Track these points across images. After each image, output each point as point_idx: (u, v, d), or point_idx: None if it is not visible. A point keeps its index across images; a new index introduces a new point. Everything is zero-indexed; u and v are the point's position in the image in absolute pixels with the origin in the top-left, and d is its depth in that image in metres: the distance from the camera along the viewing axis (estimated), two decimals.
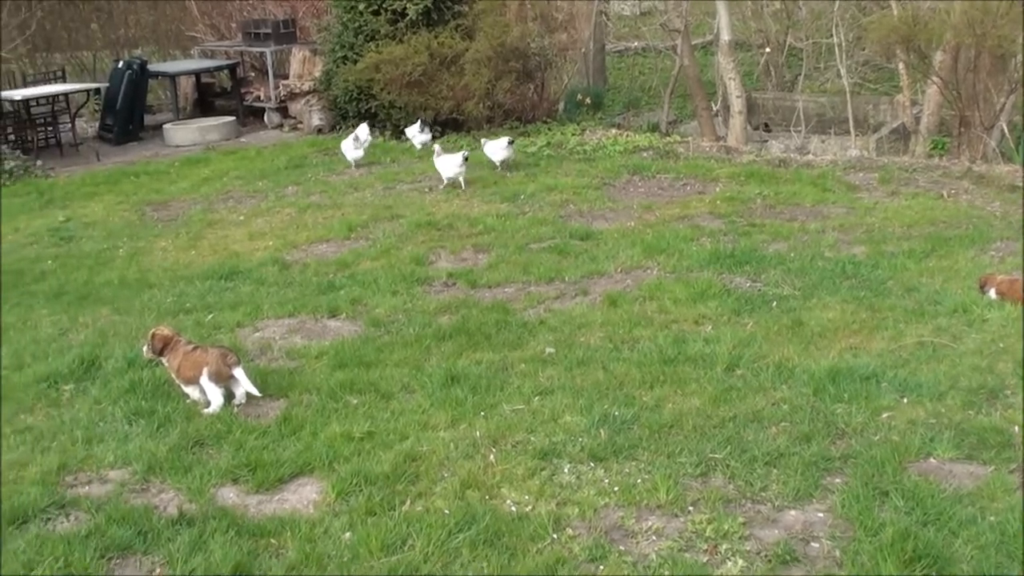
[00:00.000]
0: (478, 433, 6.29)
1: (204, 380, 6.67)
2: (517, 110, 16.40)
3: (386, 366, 7.39)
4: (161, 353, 6.83)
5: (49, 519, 5.62)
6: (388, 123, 16.21)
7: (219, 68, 18.74)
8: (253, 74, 19.48)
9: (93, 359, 7.61)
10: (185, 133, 17.14)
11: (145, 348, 6.99)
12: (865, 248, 9.54)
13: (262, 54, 18.78)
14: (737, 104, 16.42)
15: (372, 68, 15.73)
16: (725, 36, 16.28)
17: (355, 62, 16.23)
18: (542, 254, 9.97)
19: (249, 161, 14.84)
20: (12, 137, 16.52)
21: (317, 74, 17.61)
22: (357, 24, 16.35)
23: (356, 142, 13.98)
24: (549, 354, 7.56)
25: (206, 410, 6.72)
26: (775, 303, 8.25)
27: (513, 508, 5.49)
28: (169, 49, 21.13)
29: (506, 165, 13.40)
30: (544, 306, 8.63)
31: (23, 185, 14.31)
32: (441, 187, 12.70)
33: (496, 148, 13.43)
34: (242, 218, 11.86)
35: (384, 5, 16.08)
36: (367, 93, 16.00)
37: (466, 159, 12.62)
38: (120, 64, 17.66)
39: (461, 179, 12.60)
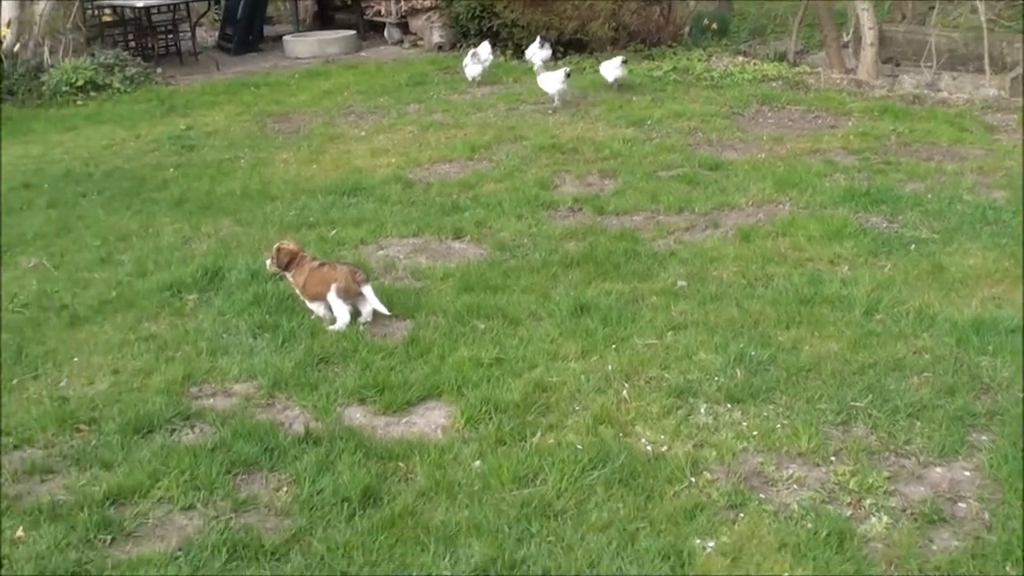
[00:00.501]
0: (610, 367, 6.05)
1: (332, 296, 6.54)
2: (642, 32, 15.92)
3: (513, 291, 7.18)
4: (287, 268, 6.70)
5: (174, 430, 5.55)
6: (510, 42, 15.86)
7: None
8: None
9: (216, 270, 7.53)
10: (305, 45, 17.01)
11: (269, 262, 6.83)
12: (1006, 193, 9.00)
13: None
14: (869, 36, 15.65)
15: None
16: None
17: None
18: (671, 182, 9.62)
19: (369, 76, 14.65)
20: (133, 44, 16.56)
21: None
22: None
23: (475, 59, 13.73)
24: (681, 287, 7.27)
25: (332, 327, 6.59)
26: (913, 246, 7.82)
27: (648, 448, 5.27)
28: None
29: (619, 84, 13.25)
30: (674, 237, 8.32)
31: (144, 91, 14.32)
32: (554, 106, 12.54)
33: (610, 68, 13.26)
34: (364, 134, 11.69)
35: None
36: (490, 11, 15.66)
37: (568, 75, 12.56)
38: None
39: (561, 97, 12.54)
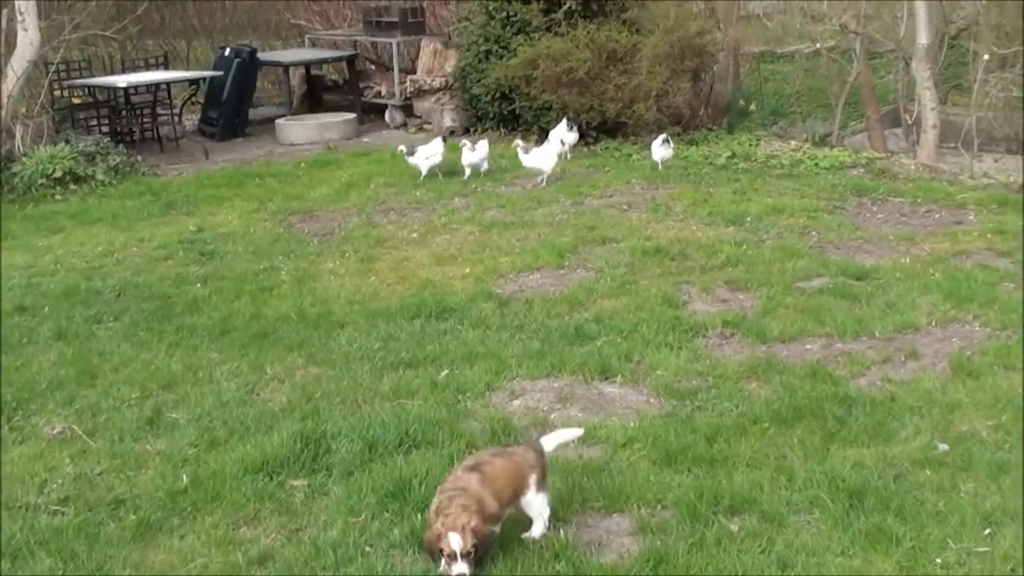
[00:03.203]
0: None
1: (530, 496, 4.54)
2: (680, 116, 14.28)
3: (735, 466, 5.31)
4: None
5: None
6: (536, 127, 14.11)
7: (338, 59, 16.69)
8: (373, 67, 17.37)
9: (317, 438, 5.54)
10: (301, 130, 15.09)
11: (456, 541, 4.24)
12: None
13: (384, 45, 16.71)
14: (931, 118, 14.20)
15: (527, 64, 13.58)
16: (924, 39, 14.05)
17: (500, 57, 14.12)
18: (822, 298, 7.88)
19: (387, 165, 12.71)
20: (107, 129, 14.47)
21: (449, 69, 15.51)
22: (505, 13, 14.24)
23: (471, 152, 12.10)
24: (943, 452, 5.43)
25: (532, 534, 4.58)
26: None
27: None
28: (268, 39, 19.02)
29: (666, 165, 12.22)
30: (875, 373, 6.57)
31: (131, 184, 12.24)
32: (541, 182, 11.58)
33: (656, 148, 12.24)
34: (415, 235, 9.76)
35: None
36: (518, 91, 13.88)
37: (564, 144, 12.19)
38: (227, 52, 15.60)
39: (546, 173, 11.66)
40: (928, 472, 5.24)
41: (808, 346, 7.06)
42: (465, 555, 4.16)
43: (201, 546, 4.62)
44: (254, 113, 16.67)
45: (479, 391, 6.28)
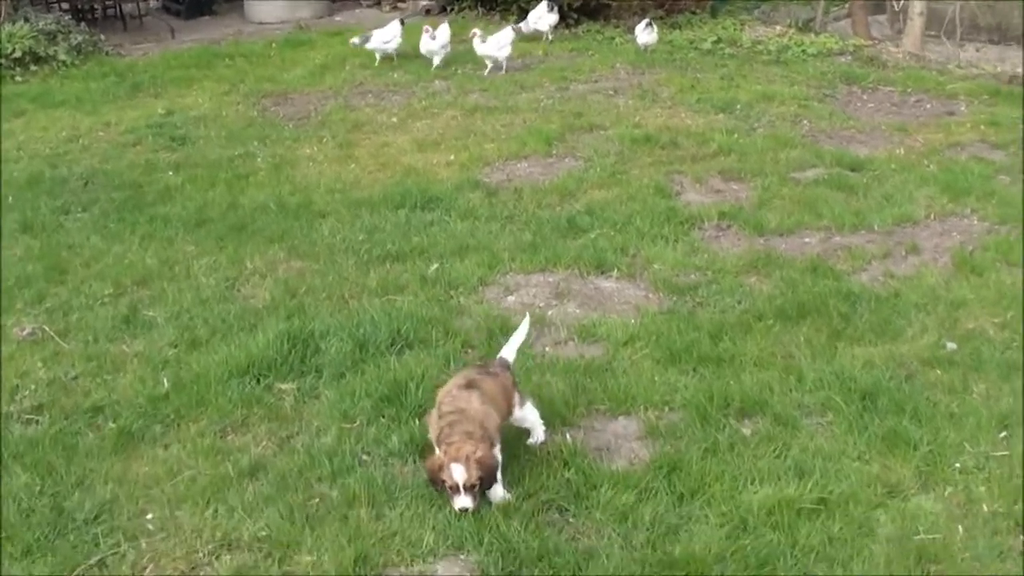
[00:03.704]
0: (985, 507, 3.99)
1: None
2: None
3: (743, 366, 5.13)
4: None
5: None
6: (515, 6, 13.64)
7: None
8: None
9: (304, 338, 5.27)
10: (271, 8, 14.55)
11: (459, 473, 3.89)
12: None
13: None
14: (918, 6, 13.81)
15: None
16: None
17: None
18: (818, 188, 7.66)
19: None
20: (67, 6, 13.86)
21: None
22: None
23: (431, 40, 11.17)
24: (952, 350, 5.26)
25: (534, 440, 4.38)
26: None
27: None
28: None
29: (650, 50, 11.81)
30: (876, 268, 6.41)
31: (95, 65, 11.73)
32: (493, 71, 10.94)
33: (640, 33, 11.81)
34: (395, 120, 9.40)
35: None
36: None
37: (517, 32, 11.51)
38: None
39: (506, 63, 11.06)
40: (939, 372, 5.08)
41: (807, 239, 6.85)
42: (469, 488, 3.82)
43: (187, 456, 4.36)
44: None
45: (471, 286, 6.02)
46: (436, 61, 10.99)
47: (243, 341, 5.27)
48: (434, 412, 4.06)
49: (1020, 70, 11.37)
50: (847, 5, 14.67)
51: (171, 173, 8.04)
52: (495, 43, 10.90)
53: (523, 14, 13.28)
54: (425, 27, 11.18)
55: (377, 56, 11.31)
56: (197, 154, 8.50)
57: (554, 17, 12.61)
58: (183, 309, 5.75)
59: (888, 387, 4.85)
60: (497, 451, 3.96)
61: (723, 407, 4.66)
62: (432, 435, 4.02)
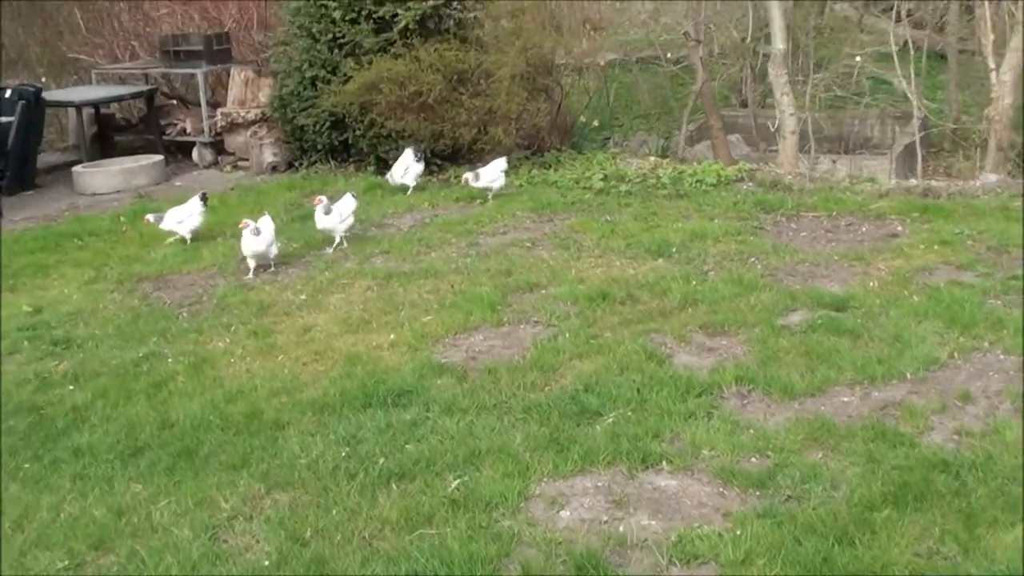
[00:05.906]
0: None
1: None
2: (535, 137, 13.23)
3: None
4: None
5: None
6: (372, 157, 12.72)
7: (137, 95, 14.67)
8: (174, 102, 15.46)
9: None
10: (104, 178, 13.15)
11: None
12: None
13: (185, 77, 14.92)
14: (790, 123, 13.63)
15: (367, 89, 12.12)
16: (780, 45, 13.46)
17: (328, 82, 12.64)
18: (815, 335, 6.97)
19: (224, 212, 10.98)
20: None
21: (264, 99, 13.87)
22: (331, 35, 12.70)
23: (252, 237, 8.79)
24: None
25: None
26: None
27: None
28: (45, 77, 16.73)
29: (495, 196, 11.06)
30: (943, 426, 5.82)
31: None
32: (340, 244, 9.52)
33: (495, 173, 11.14)
34: (304, 297, 8.23)
35: (366, 12, 12.52)
36: (352, 118, 12.42)
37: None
38: (8, 93, 13.40)
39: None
40: None
41: (844, 398, 6.10)
42: None
43: None
44: (40, 161, 14.51)
45: (512, 504, 4.92)
46: (267, 257, 8.95)
47: None
48: None
49: (922, 182, 11.12)
50: (687, 127, 14.32)
51: (72, 387, 6.63)
52: (338, 215, 9.37)
53: (381, 164, 12.37)
54: (318, 198, 9.51)
55: (185, 236, 9.75)
56: (92, 360, 7.09)
57: (420, 167, 11.71)
58: None
59: None
60: None
61: None
62: None
